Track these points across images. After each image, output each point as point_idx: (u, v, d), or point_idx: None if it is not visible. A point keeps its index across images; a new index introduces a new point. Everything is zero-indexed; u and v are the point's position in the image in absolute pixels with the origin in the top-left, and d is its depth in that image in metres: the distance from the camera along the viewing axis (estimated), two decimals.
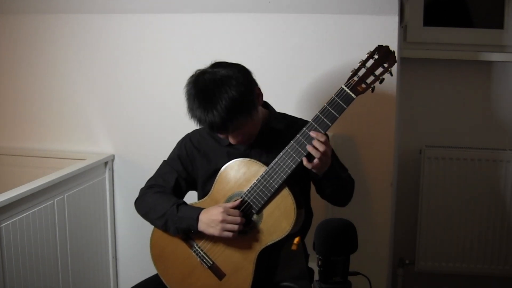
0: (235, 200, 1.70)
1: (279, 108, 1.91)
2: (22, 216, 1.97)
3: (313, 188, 1.87)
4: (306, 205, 1.82)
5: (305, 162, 1.62)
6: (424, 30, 2.53)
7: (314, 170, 1.64)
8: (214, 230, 1.67)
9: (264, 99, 1.87)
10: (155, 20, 2.34)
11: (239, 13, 2.22)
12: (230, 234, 1.66)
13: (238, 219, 1.66)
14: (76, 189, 2.27)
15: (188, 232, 1.74)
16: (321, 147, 1.59)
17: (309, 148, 1.60)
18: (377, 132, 2.24)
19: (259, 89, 1.74)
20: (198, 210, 1.72)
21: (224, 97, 1.61)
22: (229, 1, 2.22)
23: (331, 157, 1.65)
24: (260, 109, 1.80)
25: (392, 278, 2.59)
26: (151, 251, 1.82)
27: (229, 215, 1.66)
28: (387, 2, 2.11)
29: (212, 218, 1.67)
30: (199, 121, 1.68)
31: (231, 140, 1.74)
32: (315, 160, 1.60)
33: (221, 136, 1.75)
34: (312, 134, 1.61)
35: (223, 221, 1.65)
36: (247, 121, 1.67)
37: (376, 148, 2.24)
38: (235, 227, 1.66)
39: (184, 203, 1.77)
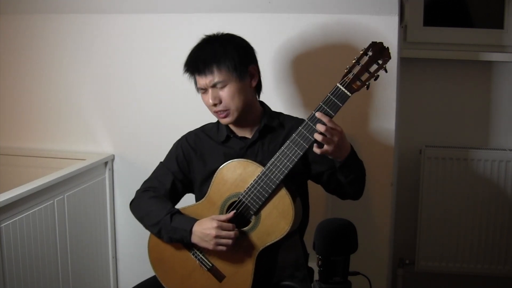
0: (232, 202, 1.70)
1: (278, 108, 1.91)
2: (22, 216, 1.97)
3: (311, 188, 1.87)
4: (304, 203, 1.81)
5: (315, 148, 1.59)
6: (424, 30, 2.53)
7: (330, 156, 1.62)
8: (207, 245, 1.66)
9: (262, 98, 1.88)
10: (156, 20, 2.34)
11: (239, 13, 2.22)
12: (224, 248, 1.66)
13: (232, 233, 1.65)
14: (76, 189, 2.27)
15: (182, 242, 1.73)
16: (322, 128, 1.56)
17: (316, 135, 1.57)
18: (377, 132, 2.24)
19: (255, 68, 1.81)
20: (192, 221, 1.70)
21: (221, 39, 1.77)
22: (229, 1, 2.22)
23: (349, 144, 1.64)
24: (257, 105, 1.83)
25: (392, 278, 2.58)
26: (149, 255, 1.81)
27: (223, 229, 1.65)
28: (387, 2, 2.11)
29: (205, 233, 1.66)
30: (188, 55, 1.79)
31: (211, 97, 1.73)
32: (325, 147, 1.58)
33: (201, 86, 1.75)
34: (318, 114, 1.58)
35: (217, 236, 1.64)
36: (229, 73, 1.71)
37: (376, 148, 2.24)
38: (229, 241, 1.65)
39: (178, 211, 1.76)
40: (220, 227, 1.65)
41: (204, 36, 1.80)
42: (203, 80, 1.73)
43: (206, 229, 1.66)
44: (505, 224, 2.48)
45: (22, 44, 2.49)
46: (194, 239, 1.69)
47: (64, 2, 2.39)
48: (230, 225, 1.66)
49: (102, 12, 2.38)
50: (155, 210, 1.77)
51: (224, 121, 1.77)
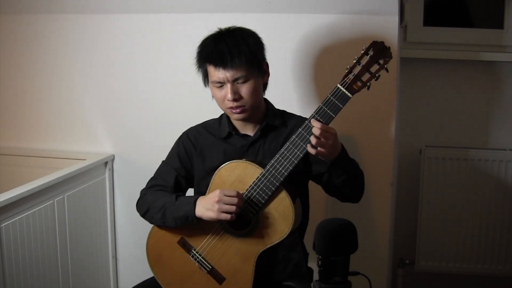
0: None
1: (277, 107, 1.91)
2: (22, 216, 1.97)
3: (312, 189, 1.87)
4: (304, 203, 1.81)
5: (309, 149, 1.59)
6: (424, 30, 2.53)
7: (322, 158, 1.62)
8: (211, 213, 1.62)
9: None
10: (156, 20, 2.34)
11: (239, 13, 2.21)
12: (228, 216, 1.61)
13: (235, 199, 1.60)
14: (76, 189, 2.27)
15: (186, 221, 1.68)
16: (317, 132, 1.56)
17: (312, 140, 1.57)
18: (377, 132, 2.23)
19: (267, 65, 1.80)
20: (197, 196, 1.69)
21: (239, 33, 1.72)
22: (229, 1, 2.22)
23: (340, 144, 1.64)
24: (263, 102, 1.81)
25: (392, 278, 2.58)
26: (147, 257, 1.80)
27: (226, 196, 1.61)
28: (387, 2, 2.11)
29: (209, 201, 1.63)
30: (204, 46, 1.74)
31: (231, 91, 1.68)
32: (319, 149, 1.58)
33: (219, 80, 1.69)
34: (312, 122, 1.58)
35: (219, 201, 1.60)
36: (251, 69, 1.69)
37: (376, 148, 2.24)
38: (233, 208, 1.60)
39: (184, 194, 1.76)
40: (222, 193, 1.61)
41: (218, 29, 1.75)
42: (223, 74, 1.68)
43: (210, 198, 1.63)
44: (505, 224, 2.48)
45: (22, 44, 2.49)
46: (198, 211, 1.65)
47: (65, 2, 2.39)
48: (234, 191, 1.62)
49: (102, 12, 2.37)
50: (160, 198, 1.76)
51: (238, 116, 1.73)
